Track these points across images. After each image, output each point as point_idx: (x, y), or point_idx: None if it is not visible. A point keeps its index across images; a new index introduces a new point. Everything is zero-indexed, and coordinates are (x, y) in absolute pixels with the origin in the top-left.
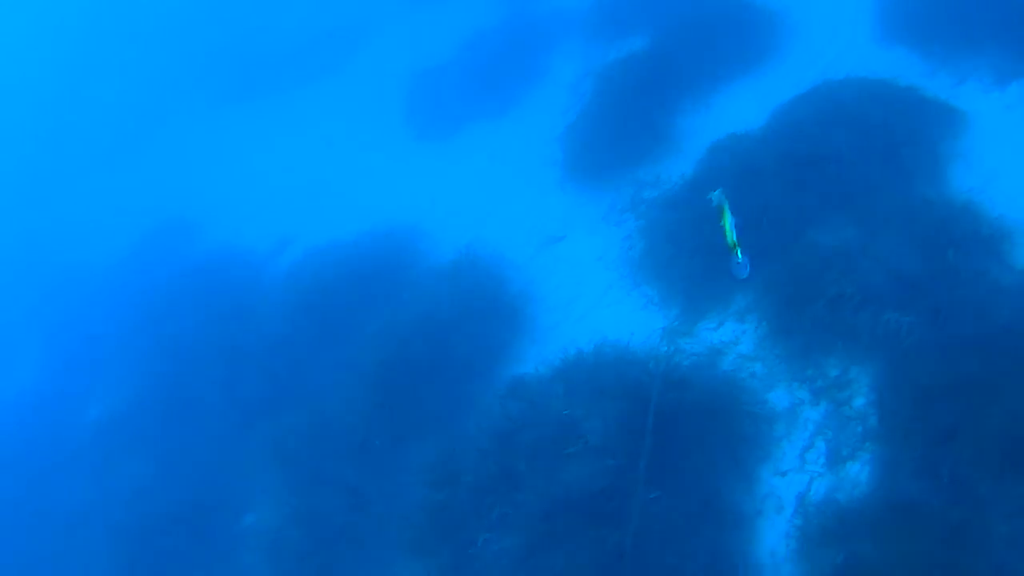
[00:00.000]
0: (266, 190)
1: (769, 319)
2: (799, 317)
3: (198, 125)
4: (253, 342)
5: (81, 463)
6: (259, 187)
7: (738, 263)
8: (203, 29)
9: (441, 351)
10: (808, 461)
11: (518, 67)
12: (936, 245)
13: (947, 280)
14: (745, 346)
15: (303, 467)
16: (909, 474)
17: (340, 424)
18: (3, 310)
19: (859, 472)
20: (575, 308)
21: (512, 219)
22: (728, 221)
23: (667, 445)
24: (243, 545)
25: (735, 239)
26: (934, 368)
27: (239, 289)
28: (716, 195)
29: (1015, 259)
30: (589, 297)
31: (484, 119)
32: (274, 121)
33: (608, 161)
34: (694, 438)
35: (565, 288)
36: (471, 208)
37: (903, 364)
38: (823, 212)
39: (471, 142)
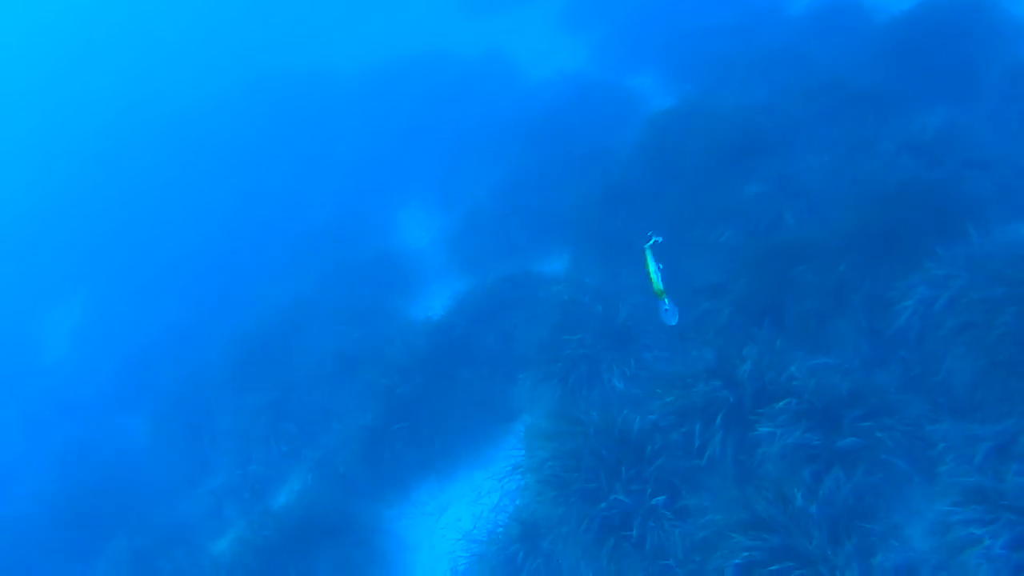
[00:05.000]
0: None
1: (662, 72)
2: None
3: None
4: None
5: None
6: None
7: (666, 310)
8: None
9: (464, 92)
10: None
11: None
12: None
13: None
14: (646, 84)
15: None
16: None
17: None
18: None
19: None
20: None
21: (525, 49)
22: (653, 269)
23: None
24: None
25: (661, 287)
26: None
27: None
28: (650, 243)
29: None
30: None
31: (513, 9)
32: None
33: (588, 23)
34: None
35: (550, 67)
36: (499, 43)
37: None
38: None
39: (501, 18)
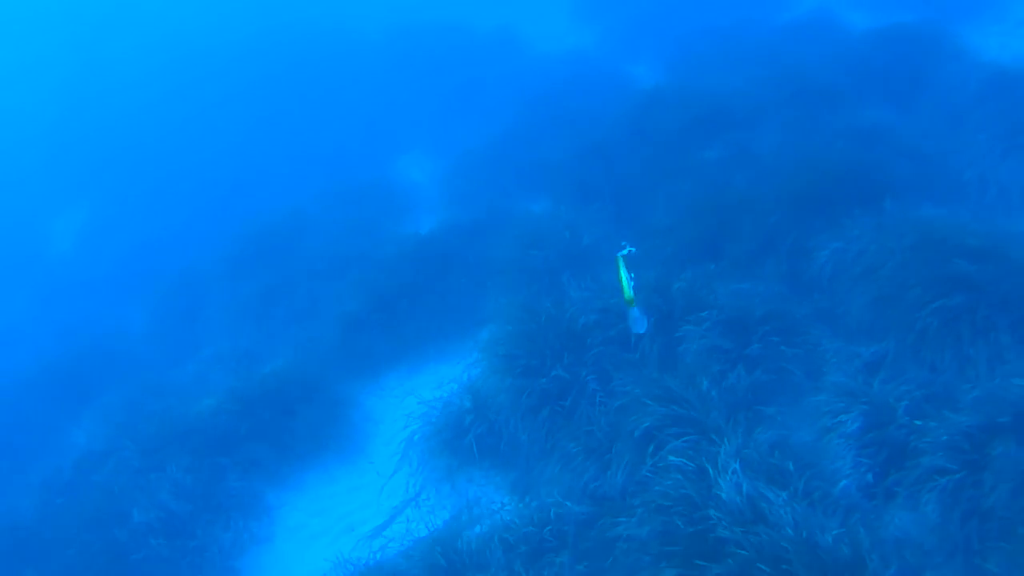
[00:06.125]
0: None
1: (656, 61)
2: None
3: None
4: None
5: None
6: None
7: (636, 318)
8: None
9: (473, 59)
10: None
11: None
12: None
13: None
14: (641, 71)
15: None
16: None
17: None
18: None
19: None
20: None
21: (535, 29)
22: (624, 277)
23: None
24: None
25: (632, 294)
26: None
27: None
28: (623, 252)
29: None
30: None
31: None
32: None
33: (597, 14)
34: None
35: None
36: (511, 22)
37: None
38: None
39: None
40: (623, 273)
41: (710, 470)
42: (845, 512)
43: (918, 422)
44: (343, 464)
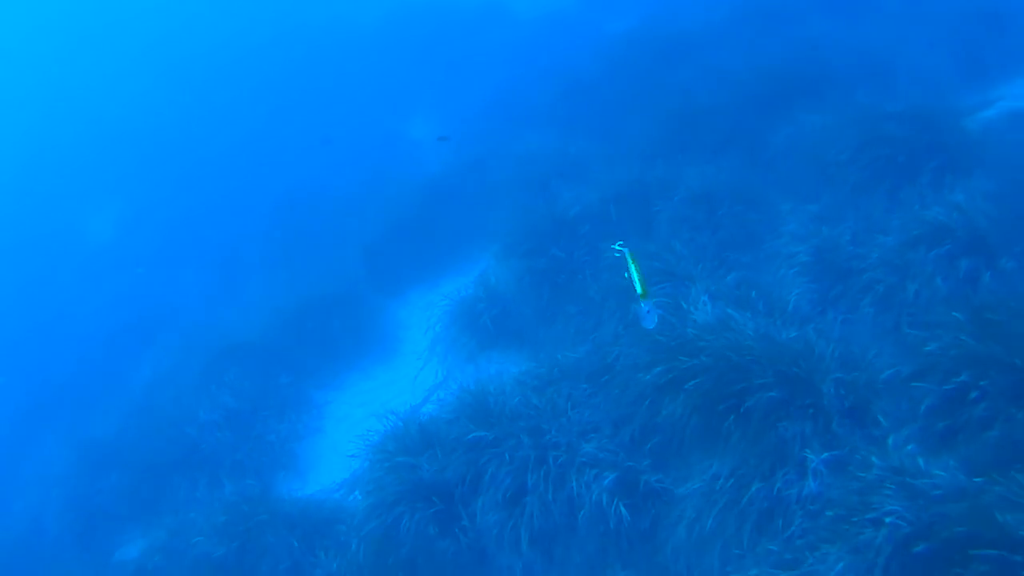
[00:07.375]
0: None
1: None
2: None
3: None
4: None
5: None
6: None
7: (646, 312)
8: None
9: (465, 31)
10: None
11: None
12: None
13: None
14: (619, 25)
15: None
16: None
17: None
18: None
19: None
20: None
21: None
22: (634, 272)
23: None
24: None
25: (643, 289)
26: None
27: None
28: (619, 247)
29: None
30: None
31: None
32: None
33: None
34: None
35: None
36: None
37: None
38: None
39: None
40: (633, 268)
41: (683, 304)
42: (800, 323)
43: (860, 250)
44: (378, 364)
